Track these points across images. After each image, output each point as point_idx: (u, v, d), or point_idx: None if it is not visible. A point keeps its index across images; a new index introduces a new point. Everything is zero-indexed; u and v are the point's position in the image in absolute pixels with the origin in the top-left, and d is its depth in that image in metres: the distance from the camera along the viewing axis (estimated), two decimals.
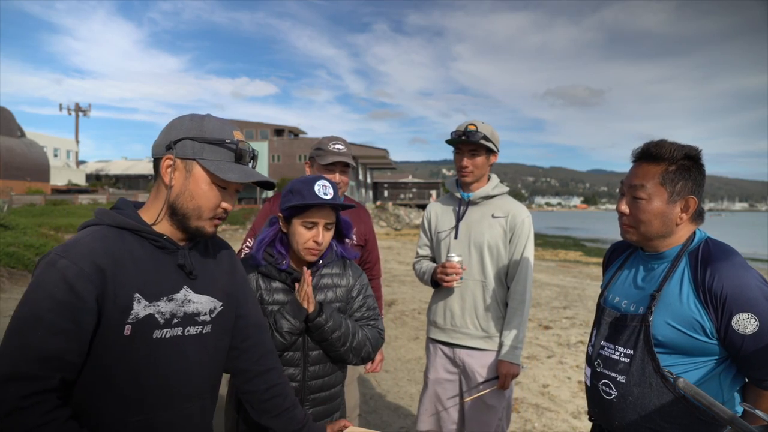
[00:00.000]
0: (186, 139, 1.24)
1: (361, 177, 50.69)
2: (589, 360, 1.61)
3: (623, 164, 1.56)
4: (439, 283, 2.45)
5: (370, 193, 56.82)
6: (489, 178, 2.54)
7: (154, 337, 1.21)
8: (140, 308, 1.18)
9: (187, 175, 1.25)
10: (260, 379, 1.48)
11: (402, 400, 4.37)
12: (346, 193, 2.68)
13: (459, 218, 2.50)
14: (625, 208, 1.51)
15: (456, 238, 2.47)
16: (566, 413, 4.12)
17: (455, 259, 2.37)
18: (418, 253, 2.72)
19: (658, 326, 1.43)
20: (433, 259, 2.65)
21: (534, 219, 2.13)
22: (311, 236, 1.71)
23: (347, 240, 1.93)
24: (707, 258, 1.41)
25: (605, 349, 1.55)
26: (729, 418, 0.95)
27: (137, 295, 1.18)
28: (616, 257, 1.74)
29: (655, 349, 1.43)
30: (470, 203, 2.49)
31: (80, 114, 54.63)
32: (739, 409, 1.42)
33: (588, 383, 1.61)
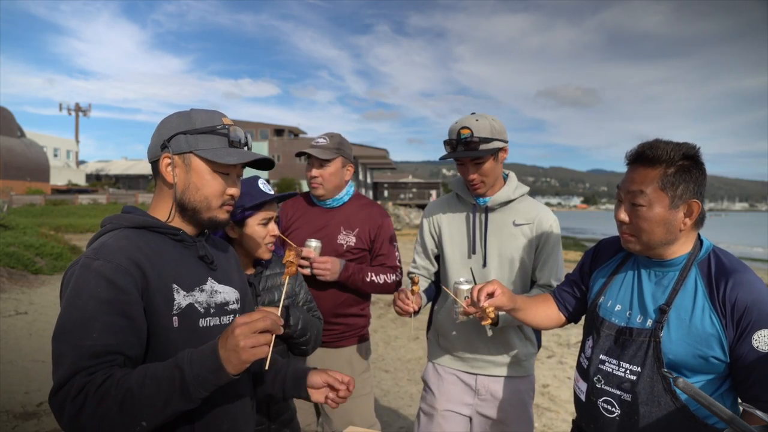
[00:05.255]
0: (178, 134, 1.24)
1: (361, 177, 50.70)
2: (585, 374, 1.51)
3: (623, 164, 1.46)
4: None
5: (370, 193, 56.85)
6: (506, 178, 2.12)
7: (201, 325, 1.22)
8: (180, 298, 1.19)
9: (187, 169, 1.24)
10: None
11: (402, 400, 4.37)
12: (357, 190, 2.54)
13: (481, 230, 2.04)
14: (624, 216, 1.41)
15: (474, 253, 2.04)
16: (566, 413, 4.11)
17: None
18: (416, 261, 2.27)
19: (668, 342, 1.34)
20: (435, 280, 2.26)
21: None
22: (268, 232, 1.79)
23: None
24: (723, 270, 1.34)
25: (606, 364, 1.44)
26: (728, 418, 0.94)
27: (175, 286, 1.19)
28: (607, 258, 1.62)
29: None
30: (488, 210, 2.04)
31: (80, 114, 54.75)
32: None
33: (583, 398, 1.51)
